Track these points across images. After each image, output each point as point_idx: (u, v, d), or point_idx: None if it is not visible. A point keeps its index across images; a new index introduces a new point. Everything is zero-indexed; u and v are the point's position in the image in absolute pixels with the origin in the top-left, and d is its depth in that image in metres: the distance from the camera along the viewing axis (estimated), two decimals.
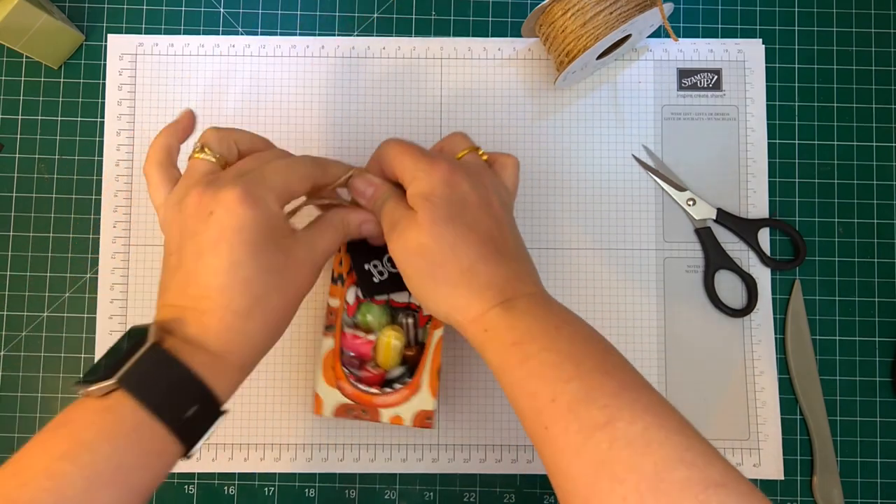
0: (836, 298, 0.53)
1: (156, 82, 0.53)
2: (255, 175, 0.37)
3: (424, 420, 0.44)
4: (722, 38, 0.54)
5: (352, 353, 0.45)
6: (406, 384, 0.44)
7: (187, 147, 0.41)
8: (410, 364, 0.46)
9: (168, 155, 0.40)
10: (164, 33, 0.54)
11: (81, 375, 0.38)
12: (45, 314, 0.52)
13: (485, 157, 0.43)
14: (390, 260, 0.44)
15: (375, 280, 0.45)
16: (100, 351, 0.51)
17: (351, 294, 0.45)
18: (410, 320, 0.46)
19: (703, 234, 0.52)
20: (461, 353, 0.51)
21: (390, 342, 0.45)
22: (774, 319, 0.52)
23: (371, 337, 0.45)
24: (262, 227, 0.35)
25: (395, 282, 0.44)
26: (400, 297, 0.47)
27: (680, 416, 0.33)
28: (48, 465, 0.30)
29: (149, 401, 0.32)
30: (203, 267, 0.35)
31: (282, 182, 0.37)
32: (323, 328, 0.45)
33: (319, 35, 0.54)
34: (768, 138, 0.54)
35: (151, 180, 0.39)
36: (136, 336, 0.34)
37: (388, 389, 0.44)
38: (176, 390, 0.33)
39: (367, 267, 0.45)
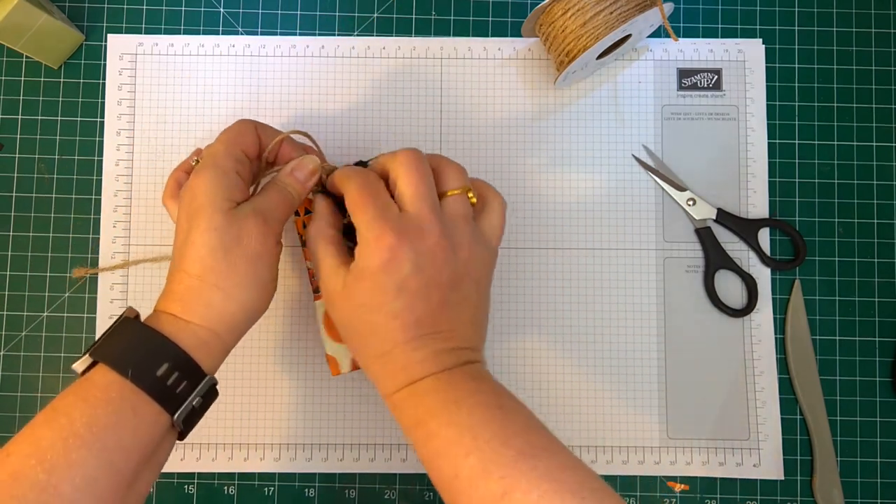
0: (836, 298, 0.53)
1: (156, 82, 0.53)
2: (205, 153, 0.41)
3: None
4: (722, 38, 0.54)
5: None
6: None
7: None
8: None
9: (178, 186, 0.44)
10: (164, 33, 0.54)
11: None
12: (45, 314, 0.52)
13: (473, 201, 0.41)
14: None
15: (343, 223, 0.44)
16: None
17: None
18: None
19: (703, 234, 0.52)
20: None
21: None
22: (774, 319, 0.52)
23: None
24: (209, 197, 0.38)
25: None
26: None
27: (581, 476, 0.33)
28: (30, 434, 0.33)
29: (115, 362, 0.35)
30: (175, 240, 0.40)
31: (222, 147, 0.40)
32: (312, 294, 0.45)
33: (319, 35, 0.54)
34: (768, 138, 0.54)
35: (169, 210, 0.44)
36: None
37: None
38: (143, 351, 0.35)
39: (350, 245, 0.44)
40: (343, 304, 0.39)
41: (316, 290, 0.45)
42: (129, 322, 0.37)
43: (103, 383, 0.35)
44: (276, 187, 0.41)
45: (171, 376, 0.35)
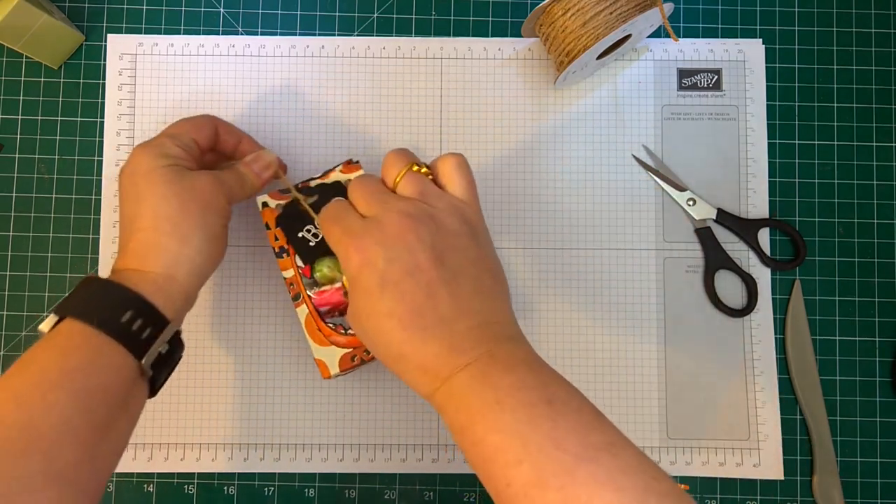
0: (836, 298, 0.53)
1: (156, 82, 0.53)
2: (160, 133, 0.44)
3: None
4: (722, 38, 0.54)
5: (327, 308, 0.45)
6: None
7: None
8: None
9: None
10: (164, 33, 0.54)
11: None
12: (45, 314, 0.52)
13: (424, 171, 0.40)
14: None
15: (312, 244, 0.46)
16: None
17: (300, 259, 0.46)
18: None
19: (703, 234, 0.52)
20: None
21: None
22: (774, 319, 0.52)
23: (336, 285, 0.45)
24: (156, 159, 0.41)
25: None
26: None
27: (646, 479, 0.30)
28: (4, 383, 0.34)
29: (81, 314, 0.37)
30: (121, 212, 0.42)
31: (174, 130, 0.44)
32: (292, 303, 0.46)
33: (319, 35, 0.54)
34: (768, 138, 0.54)
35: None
36: None
37: None
38: (107, 301, 0.37)
39: (300, 235, 0.46)
40: (353, 324, 0.39)
41: (295, 298, 0.45)
42: (90, 280, 0.39)
43: (71, 332, 0.36)
44: (233, 170, 0.45)
45: (135, 322, 0.37)
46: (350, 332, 0.45)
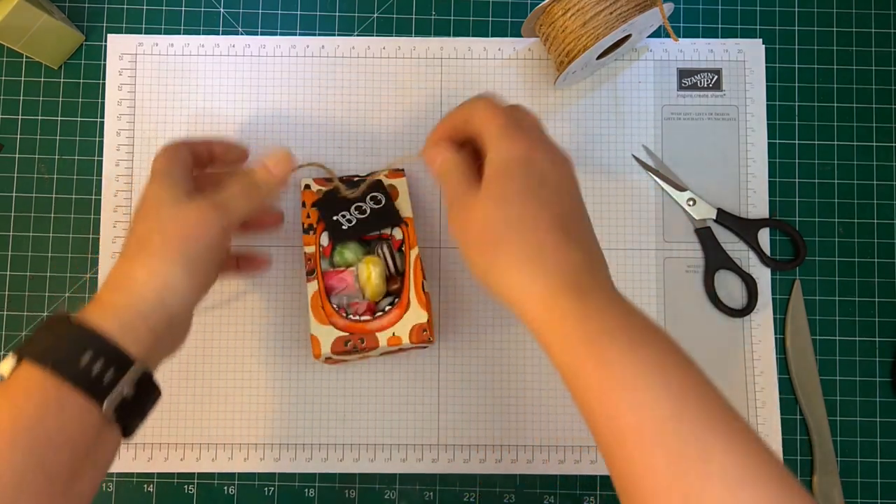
0: (836, 298, 0.53)
1: (156, 82, 0.53)
2: (153, 168, 0.42)
3: (421, 333, 0.45)
4: (722, 38, 0.54)
5: (338, 289, 0.47)
6: (396, 304, 0.46)
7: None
8: (397, 294, 0.47)
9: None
10: (164, 33, 0.54)
11: None
12: (45, 314, 0.52)
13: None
14: (357, 209, 0.47)
15: (344, 227, 0.47)
16: None
17: (325, 238, 0.48)
18: (385, 248, 0.48)
19: (703, 234, 0.52)
20: (461, 352, 0.51)
21: (370, 272, 0.46)
22: (774, 319, 0.52)
23: (352, 268, 0.47)
24: (152, 194, 0.39)
25: (363, 226, 0.47)
26: (370, 232, 0.49)
27: (771, 451, 0.29)
28: None
29: (37, 357, 0.33)
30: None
31: (162, 166, 0.41)
32: (305, 275, 0.47)
33: (319, 35, 0.54)
34: (768, 138, 0.54)
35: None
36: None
37: (380, 313, 0.46)
38: (66, 342, 0.34)
39: (335, 218, 0.47)
40: (485, 202, 0.36)
41: (309, 273, 0.46)
42: (54, 319, 0.35)
43: (25, 378, 0.33)
44: (238, 180, 0.41)
45: (95, 364, 0.33)
46: (351, 317, 0.46)
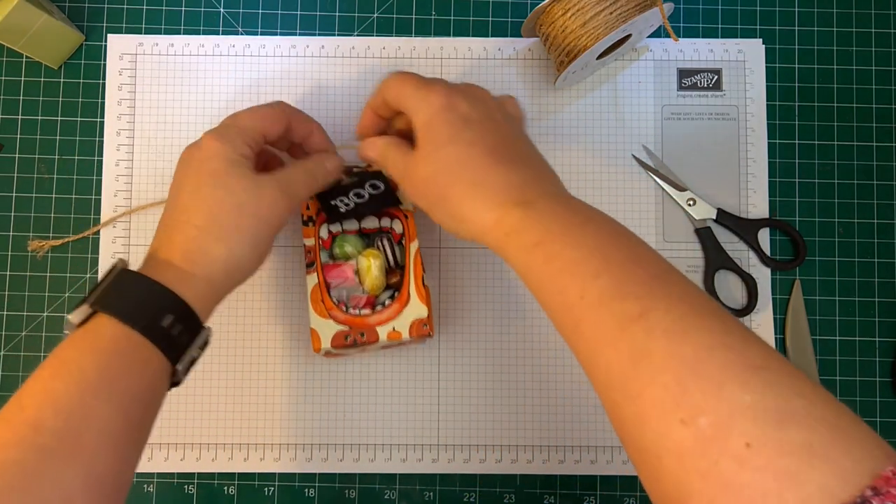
0: (836, 298, 0.53)
1: (156, 82, 0.53)
2: (228, 121, 0.42)
3: (421, 328, 0.45)
4: (722, 38, 0.54)
5: (337, 282, 0.47)
6: (396, 298, 0.46)
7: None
8: (396, 287, 0.47)
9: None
10: (164, 33, 0.54)
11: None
12: (45, 314, 0.52)
13: None
14: (356, 194, 0.47)
15: (342, 210, 0.47)
16: None
17: (324, 230, 0.48)
18: (385, 241, 0.48)
19: (703, 234, 0.52)
20: (461, 352, 0.51)
21: (370, 265, 0.47)
22: (774, 319, 0.52)
23: (351, 261, 0.47)
24: (226, 159, 0.40)
25: (361, 209, 0.48)
26: (370, 224, 0.49)
27: (715, 302, 0.32)
28: (41, 386, 0.33)
29: (121, 313, 0.35)
30: (175, 194, 0.40)
31: (249, 124, 0.42)
32: (304, 268, 0.47)
33: (319, 35, 0.54)
34: (768, 138, 0.54)
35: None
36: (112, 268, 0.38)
37: (380, 307, 0.46)
38: (150, 303, 0.36)
39: (333, 203, 0.47)
40: (422, 160, 0.39)
41: (309, 265, 0.47)
42: (128, 274, 0.37)
43: (111, 335, 0.35)
44: (303, 168, 0.43)
45: (174, 327, 0.36)
46: (351, 311, 0.46)
